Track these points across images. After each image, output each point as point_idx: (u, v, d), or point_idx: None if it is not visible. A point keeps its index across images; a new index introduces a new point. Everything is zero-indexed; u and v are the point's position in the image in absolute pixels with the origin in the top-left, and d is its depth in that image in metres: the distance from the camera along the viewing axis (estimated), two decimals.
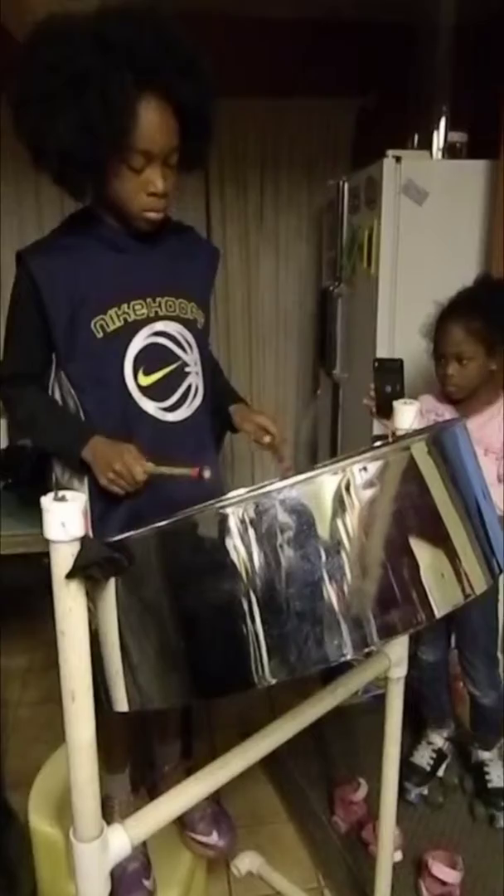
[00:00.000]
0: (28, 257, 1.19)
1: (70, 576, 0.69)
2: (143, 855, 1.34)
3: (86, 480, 1.22)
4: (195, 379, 1.28)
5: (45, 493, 0.70)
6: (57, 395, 1.26)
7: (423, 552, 0.76)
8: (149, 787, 1.52)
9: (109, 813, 1.35)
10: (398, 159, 2.18)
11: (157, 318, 1.22)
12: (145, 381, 1.21)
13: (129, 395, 1.20)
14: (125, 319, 1.19)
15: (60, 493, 0.68)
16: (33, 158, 1.12)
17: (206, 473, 1.12)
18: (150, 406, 1.22)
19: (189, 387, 1.26)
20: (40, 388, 1.28)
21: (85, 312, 1.17)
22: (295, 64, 2.88)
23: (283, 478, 0.73)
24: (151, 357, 1.21)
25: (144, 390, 1.21)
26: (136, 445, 1.17)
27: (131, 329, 1.20)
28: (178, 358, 1.24)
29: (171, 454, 1.22)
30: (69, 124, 1.03)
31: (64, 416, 1.25)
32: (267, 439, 1.32)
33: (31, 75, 1.05)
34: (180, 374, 1.25)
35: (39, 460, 2.24)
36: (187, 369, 1.26)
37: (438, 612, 0.75)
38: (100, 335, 1.18)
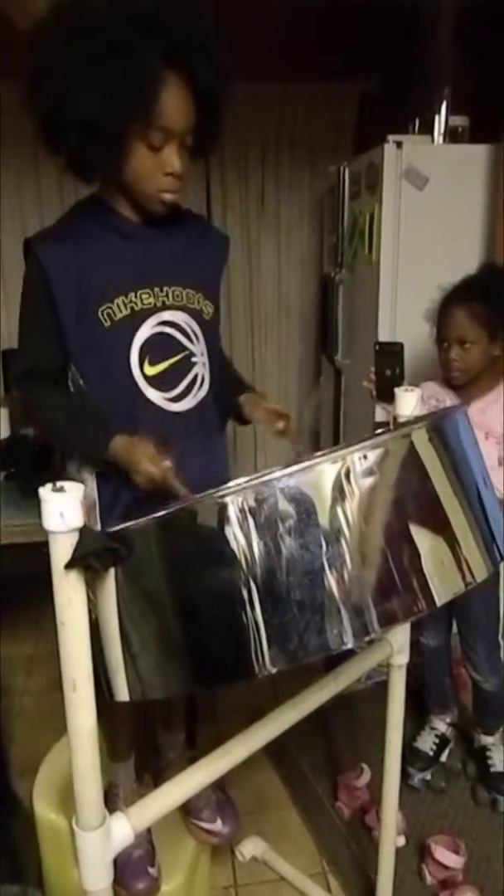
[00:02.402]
0: (36, 244, 1.17)
1: (69, 566, 0.69)
2: (147, 842, 1.34)
3: (94, 472, 1.22)
4: (201, 369, 1.26)
5: (48, 482, 0.69)
6: (72, 387, 1.24)
7: (424, 540, 0.76)
8: (153, 774, 1.53)
9: (114, 801, 1.36)
10: (399, 144, 2.16)
11: (164, 307, 1.21)
12: (151, 370, 1.20)
13: (135, 384, 1.19)
14: (132, 308, 1.18)
15: (59, 484, 0.68)
16: (48, 137, 1.10)
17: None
18: (155, 396, 1.21)
19: (195, 377, 1.25)
20: (56, 386, 1.24)
21: (92, 301, 1.16)
22: (296, 48, 2.84)
23: (296, 458, 0.70)
24: (158, 347, 1.20)
25: (150, 380, 1.20)
26: (142, 437, 1.15)
27: (138, 318, 1.18)
28: (184, 348, 1.23)
29: (176, 444, 1.20)
30: (95, 93, 1.01)
31: (84, 415, 1.22)
32: (280, 425, 1.28)
33: (55, 44, 1.03)
34: (186, 364, 1.23)
35: (42, 450, 2.24)
36: (193, 359, 1.24)
37: (439, 600, 0.75)
38: (107, 323, 1.16)
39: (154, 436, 1.19)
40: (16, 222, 3.00)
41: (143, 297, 1.19)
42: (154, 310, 1.19)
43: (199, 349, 1.26)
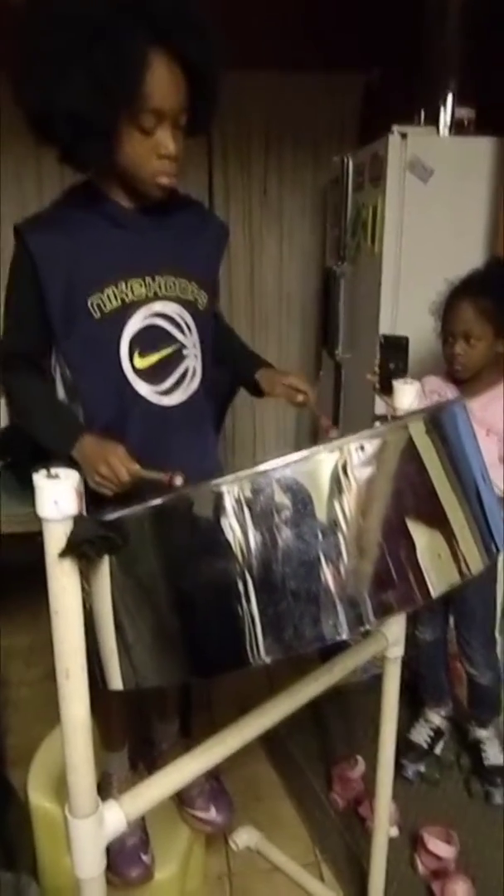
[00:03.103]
0: (25, 231, 1.15)
1: (63, 554, 0.69)
2: (141, 830, 1.35)
3: None
4: (193, 362, 1.24)
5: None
6: (57, 375, 1.23)
7: (420, 532, 0.76)
8: (147, 764, 1.54)
9: (108, 790, 1.36)
10: (404, 136, 2.15)
11: (156, 298, 1.19)
12: (141, 363, 1.18)
13: (124, 376, 1.17)
14: (123, 299, 1.16)
15: (53, 471, 0.67)
16: (38, 129, 1.09)
17: (178, 481, 1.06)
18: (144, 389, 1.19)
19: (186, 370, 1.23)
20: (36, 374, 1.24)
21: (81, 290, 1.14)
22: (300, 37, 2.82)
23: (328, 436, 0.70)
24: (148, 339, 1.19)
25: (140, 373, 1.18)
26: (130, 430, 1.16)
27: (129, 309, 1.17)
28: (175, 340, 1.21)
29: (165, 438, 1.20)
30: (81, 82, 1.00)
31: (56, 409, 1.22)
32: (300, 398, 1.29)
33: (38, 34, 1.02)
34: (177, 356, 1.22)
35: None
36: (185, 352, 1.23)
37: (434, 592, 0.75)
38: (97, 315, 1.15)
39: (141, 429, 1.18)
40: (15, 211, 2.98)
41: (135, 287, 1.17)
42: (146, 301, 1.18)
43: (190, 341, 1.24)
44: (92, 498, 1.12)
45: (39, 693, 2.27)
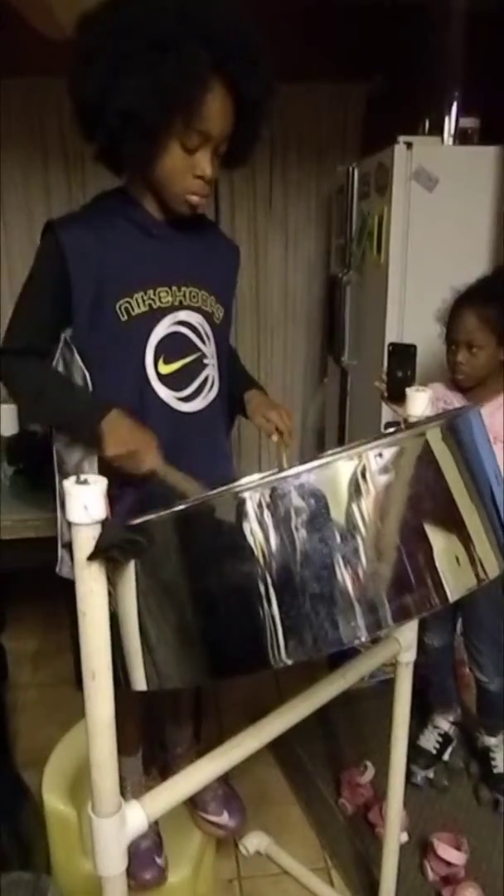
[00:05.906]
0: (59, 228, 1.16)
1: (92, 557, 0.70)
2: (155, 833, 1.36)
3: (95, 464, 1.21)
4: (212, 371, 1.28)
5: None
6: (71, 375, 1.23)
7: (438, 537, 0.77)
8: (160, 768, 1.55)
9: (122, 794, 1.37)
10: (409, 145, 2.17)
11: (181, 307, 1.22)
12: (165, 369, 1.21)
13: (147, 381, 1.20)
14: (150, 305, 1.19)
15: (83, 477, 0.69)
16: (86, 123, 1.12)
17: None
18: (166, 394, 1.22)
19: (206, 378, 1.26)
20: (45, 363, 1.24)
21: (110, 293, 1.16)
22: (304, 47, 2.85)
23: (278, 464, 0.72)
24: (173, 346, 1.21)
25: (163, 378, 1.21)
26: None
27: (156, 316, 1.19)
28: (197, 349, 1.24)
29: (183, 444, 1.22)
30: (141, 84, 1.02)
31: (76, 388, 1.22)
32: (275, 438, 1.34)
33: (108, 31, 1.05)
34: (199, 365, 1.25)
35: (50, 446, 2.25)
36: (205, 361, 1.26)
37: (452, 597, 0.76)
38: (124, 318, 1.17)
39: (161, 433, 1.19)
40: (21, 217, 3.00)
41: (162, 295, 1.20)
42: (171, 308, 1.21)
43: (210, 351, 1.27)
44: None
45: (48, 696, 2.29)
